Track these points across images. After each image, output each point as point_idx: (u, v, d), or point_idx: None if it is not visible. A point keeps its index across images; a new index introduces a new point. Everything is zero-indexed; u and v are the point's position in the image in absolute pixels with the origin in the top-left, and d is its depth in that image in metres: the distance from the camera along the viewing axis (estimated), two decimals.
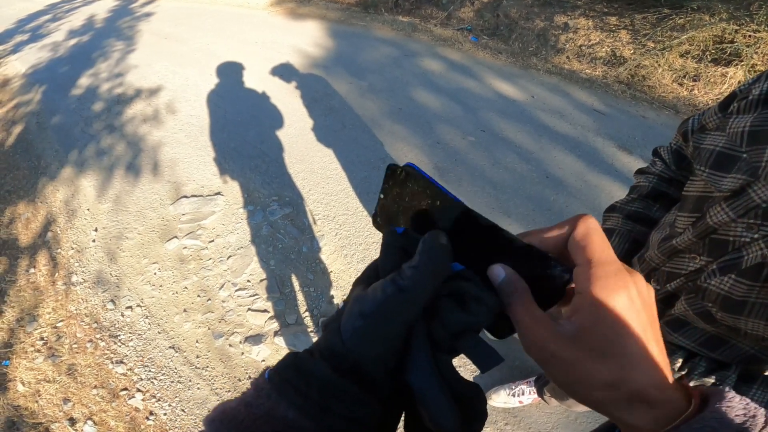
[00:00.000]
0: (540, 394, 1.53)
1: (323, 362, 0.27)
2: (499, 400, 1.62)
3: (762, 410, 0.25)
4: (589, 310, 0.26)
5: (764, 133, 0.56)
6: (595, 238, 0.27)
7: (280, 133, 3.05)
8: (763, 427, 0.24)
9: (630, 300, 0.26)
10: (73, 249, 2.43)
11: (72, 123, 3.47)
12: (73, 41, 5.11)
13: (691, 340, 0.67)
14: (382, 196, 0.36)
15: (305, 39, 4.28)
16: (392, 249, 0.31)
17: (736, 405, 0.25)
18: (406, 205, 0.34)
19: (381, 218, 0.37)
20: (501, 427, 1.60)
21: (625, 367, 0.25)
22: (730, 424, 0.24)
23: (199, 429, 0.28)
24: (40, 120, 3.60)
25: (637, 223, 0.85)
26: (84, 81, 4.08)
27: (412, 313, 0.28)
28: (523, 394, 1.59)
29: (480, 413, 0.30)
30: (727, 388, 0.25)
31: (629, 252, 0.84)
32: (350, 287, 0.33)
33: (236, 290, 2.12)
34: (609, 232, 0.87)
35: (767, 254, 0.52)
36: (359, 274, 0.33)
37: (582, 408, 1.31)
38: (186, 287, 2.16)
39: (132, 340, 2.00)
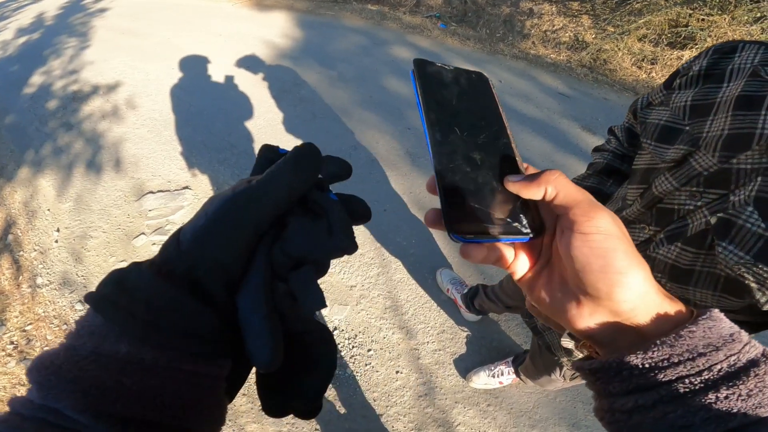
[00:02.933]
0: (518, 374, 1.55)
1: (149, 271, 0.23)
2: (479, 381, 1.65)
3: (744, 330, 0.25)
4: (582, 238, 0.26)
5: (704, 106, 0.58)
6: (565, 190, 0.27)
7: (249, 125, 2.98)
8: (747, 342, 0.24)
9: (612, 219, 0.26)
10: (35, 251, 2.32)
11: (26, 122, 3.29)
12: (22, 39, 4.81)
13: None
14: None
15: (272, 30, 4.19)
16: (265, 162, 0.28)
17: (724, 319, 0.25)
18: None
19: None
20: (483, 408, 1.63)
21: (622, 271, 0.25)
22: (719, 334, 0.24)
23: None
24: None
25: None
26: (36, 79, 3.86)
27: (261, 214, 0.24)
28: (502, 374, 1.61)
29: (321, 362, 0.26)
30: (716, 309, 0.26)
31: None
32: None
33: None
34: None
35: (710, 221, 0.53)
36: None
37: (553, 386, 1.35)
38: None
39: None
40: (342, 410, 1.63)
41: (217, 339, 0.23)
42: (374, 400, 1.66)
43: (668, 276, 0.60)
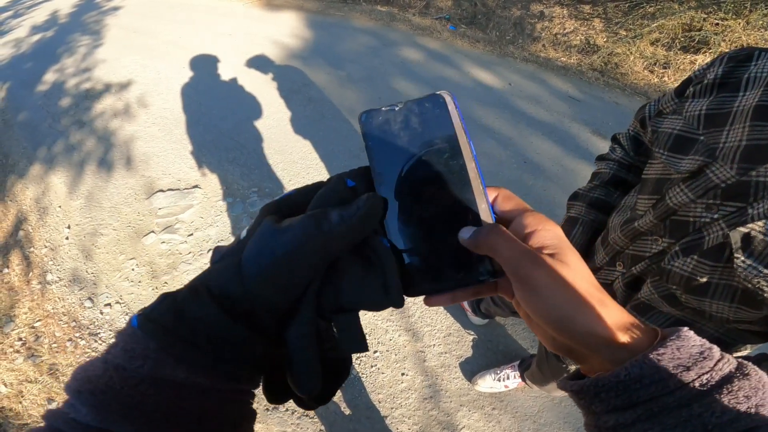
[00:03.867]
0: (523, 378, 1.54)
1: (213, 304, 0.23)
2: (485, 385, 1.64)
3: (715, 346, 0.25)
4: (551, 236, 0.28)
5: (720, 115, 0.56)
6: (502, 252, 0.27)
7: (259, 125, 3.00)
8: (720, 359, 0.24)
9: (551, 275, 0.27)
10: (46, 247, 2.36)
11: (39, 119, 3.33)
12: (36, 37, 4.88)
13: (657, 325, 0.69)
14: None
15: (282, 30, 4.21)
16: (332, 196, 0.28)
17: (693, 338, 0.25)
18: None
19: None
20: (488, 411, 1.62)
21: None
22: (688, 354, 0.24)
23: (63, 400, 0.23)
24: (6, 117, 3.44)
25: (599, 211, 0.86)
26: (50, 77, 3.92)
27: (324, 262, 0.25)
28: (508, 378, 1.61)
29: (340, 373, 0.29)
30: (686, 328, 0.26)
31: (593, 240, 0.85)
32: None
33: None
34: (573, 221, 0.87)
35: (728, 234, 0.52)
36: (270, 201, 0.29)
37: (559, 392, 1.34)
38: (166, 282, 2.12)
39: (113, 337, 1.95)
40: (347, 411, 1.64)
41: (262, 363, 0.26)
42: (379, 402, 1.66)
43: (684, 288, 0.59)
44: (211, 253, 0.29)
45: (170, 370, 0.22)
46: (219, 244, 2.17)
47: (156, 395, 0.22)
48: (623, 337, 0.26)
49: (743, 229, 0.51)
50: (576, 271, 0.26)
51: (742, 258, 0.50)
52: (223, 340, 0.23)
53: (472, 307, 1.77)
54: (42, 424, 0.22)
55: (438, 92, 0.29)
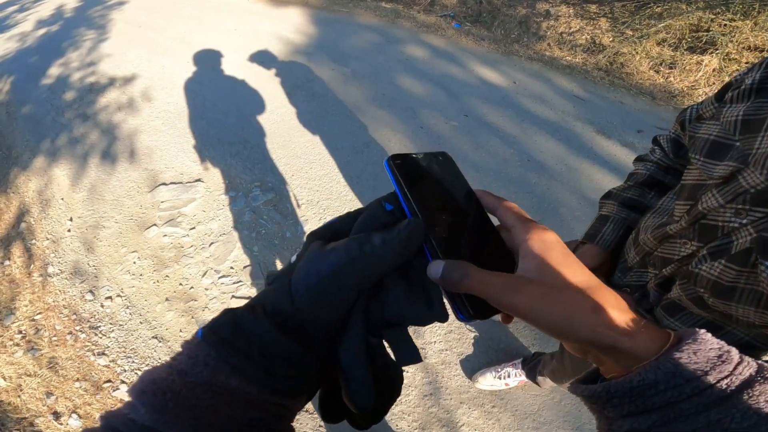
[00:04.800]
0: (532, 377, 1.53)
1: (267, 320, 0.25)
2: (485, 382, 1.64)
3: (734, 348, 0.24)
4: (537, 247, 0.28)
5: (756, 121, 0.56)
6: (514, 209, 0.31)
7: (262, 120, 3.00)
8: (739, 362, 0.24)
9: (558, 239, 0.29)
10: (48, 240, 2.36)
11: (43, 112, 3.34)
12: (41, 31, 4.89)
13: (687, 325, 0.67)
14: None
15: (287, 26, 4.20)
16: (373, 221, 0.30)
17: (711, 341, 0.25)
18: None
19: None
20: (488, 409, 1.62)
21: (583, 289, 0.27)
22: (706, 357, 0.24)
23: (125, 400, 0.25)
24: (10, 110, 3.45)
25: (632, 210, 0.86)
26: (54, 70, 3.92)
27: (368, 282, 0.27)
28: (509, 376, 1.60)
29: (395, 392, 0.30)
30: (702, 330, 0.25)
31: (624, 238, 0.85)
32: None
33: (219, 277, 2.09)
34: (604, 219, 0.88)
35: (756, 239, 0.52)
36: (315, 228, 0.31)
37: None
38: (167, 275, 2.12)
39: (113, 331, 1.95)
40: None
41: (312, 381, 0.27)
42: None
43: (711, 292, 0.59)
44: (265, 276, 0.32)
45: (225, 378, 0.24)
46: (219, 238, 2.15)
47: (209, 399, 0.23)
48: (629, 341, 0.25)
49: None
50: (564, 282, 0.26)
51: (767, 263, 0.50)
52: (274, 354, 0.25)
53: None
54: (97, 425, 0.23)
55: (444, 151, 0.36)
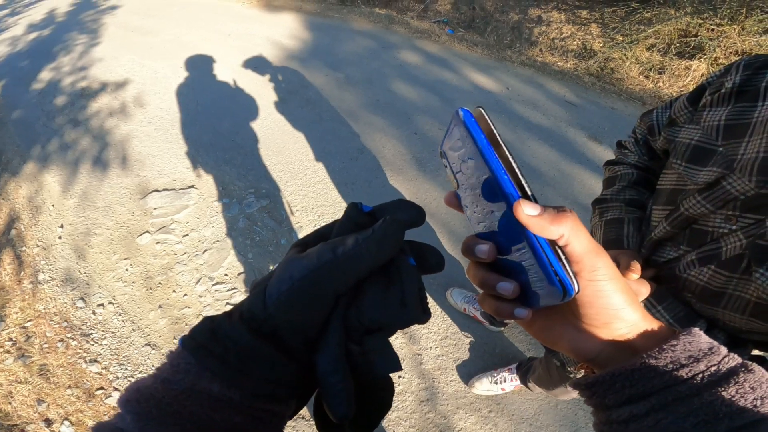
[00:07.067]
0: (523, 381, 1.54)
1: (242, 325, 0.26)
2: (481, 387, 1.64)
3: (723, 346, 0.27)
4: (587, 283, 0.28)
5: (739, 126, 0.55)
6: (577, 239, 0.27)
7: (256, 126, 2.99)
8: (726, 355, 0.26)
9: (611, 265, 0.29)
10: (38, 246, 2.33)
11: (33, 117, 3.30)
12: (33, 35, 4.85)
13: (674, 312, 0.68)
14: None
15: (281, 31, 4.20)
16: (349, 223, 0.29)
17: (703, 336, 0.27)
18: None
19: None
20: (485, 414, 1.62)
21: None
22: (698, 347, 0.26)
23: (115, 411, 0.25)
24: (0, 115, 3.41)
25: (638, 209, 0.84)
26: (45, 75, 3.89)
27: (342, 286, 0.26)
28: (505, 381, 1.61)
29: (385, 404, 0.30)
30: (696, 328, 0.27)
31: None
32: None
33: (213, 285, 2.07)
34: (619, 222, 0.84)
35: (749, 246, 0.52)
36: (300, 237, 0.31)
37: (568, 396, 1.33)
38: (160, 283, 2.10)
39: (105, 338, 1.93)
40: None
41: (294, 385, 0.27)
42: None
43: (698, 297, 0.59)
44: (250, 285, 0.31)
45: (206, 383, 0.24)
46: (213, 245, 2.14)
47: (192, 405, 0.24)
48: (647, 329, 0.29)
49: (762, 242, 0.51)
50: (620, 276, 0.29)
51: (761, 270, 0.50)
52: (249, 358, 0.25)
53: (488, 319, 1.77)
54: None
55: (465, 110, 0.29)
